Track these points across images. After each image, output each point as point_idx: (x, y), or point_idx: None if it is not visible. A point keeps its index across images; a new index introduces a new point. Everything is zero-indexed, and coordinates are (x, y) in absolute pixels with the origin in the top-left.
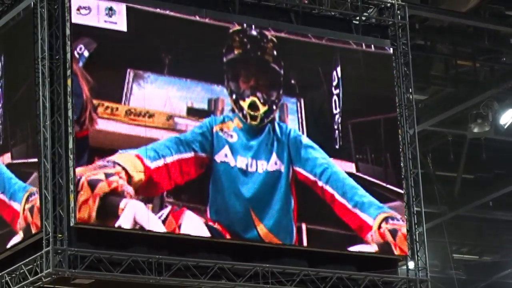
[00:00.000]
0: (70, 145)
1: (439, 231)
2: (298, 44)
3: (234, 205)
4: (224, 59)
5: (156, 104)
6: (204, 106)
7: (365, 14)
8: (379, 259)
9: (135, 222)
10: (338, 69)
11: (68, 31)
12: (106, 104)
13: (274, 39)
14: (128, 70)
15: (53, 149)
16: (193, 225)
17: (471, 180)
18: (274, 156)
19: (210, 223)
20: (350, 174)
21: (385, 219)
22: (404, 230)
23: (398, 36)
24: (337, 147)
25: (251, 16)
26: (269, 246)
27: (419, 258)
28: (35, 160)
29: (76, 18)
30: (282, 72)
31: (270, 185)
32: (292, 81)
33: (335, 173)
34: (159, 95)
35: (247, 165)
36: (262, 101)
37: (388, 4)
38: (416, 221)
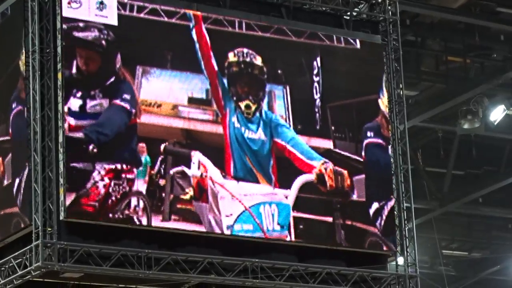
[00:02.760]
0: (60, 139)
1: (428, 227)
2: (284, 42)
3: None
4: (226, 72)
5: (162, 95)
6: (203, 95)
7: (356, 9)
8: (369, 255)
9: None
10: (318, 59)
11: (58, 25)
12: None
13: (260, 60)
14: (137, 66)
15: (43, 142)
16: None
17: (461, 176)
18: (260, 131)
19: None
20: (327, 150)
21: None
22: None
23: (389, 32)
24: (317, 127)
25: (242, 11)
26: (258, 241)
27: (408, 254)
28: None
29: (67, 12)
30: (265, 77)
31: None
32: (279, 71)
33: (299, 142)
34: (164, 88)
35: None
36: (253, 101)
37: (379, 0)
38: (405, 217)
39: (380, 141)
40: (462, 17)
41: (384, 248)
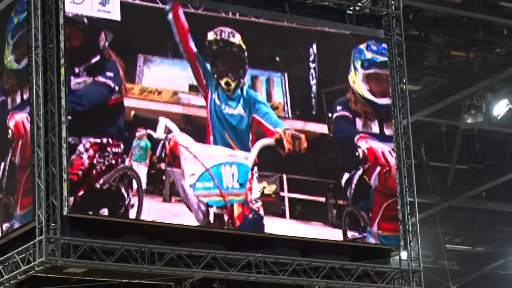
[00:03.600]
0: (64, 134)
1: (432, 221)
2: (282, 29)
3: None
4: (208, 51)
5: (163, 83)
6: None
7: (359, 4)
8: (372, 249)
9: None
10: (314, 46)
11: (61, 20)
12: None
13: (239, 38)
14: (139, 55)
15: (46, 138)
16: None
17: (464, 171)
18: (239, 107)
19: None
20: (322, 135)
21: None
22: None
23: (392, 27)
24: (313, 112)
25: (244, 5)
26: (262, 235)
27: (412, 248)
28: None
29: (70, 7)
30: (246, 54)
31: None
32: (277, 59)
33: (271, 116)
34: (165, 75)
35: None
36: (232, 79)
37: None
38: (409, 211)
39: (347, 113)
40: (465, 12)
41: (360, 218)
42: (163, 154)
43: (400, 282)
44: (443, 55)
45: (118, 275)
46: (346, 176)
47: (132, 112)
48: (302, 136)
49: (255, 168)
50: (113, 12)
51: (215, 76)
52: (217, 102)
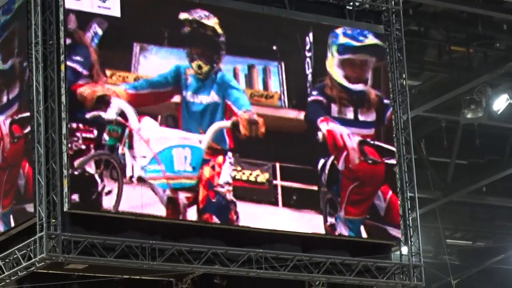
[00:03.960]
0: (64, 130)
1: (432, 216)
2: (280, 19)
3: None
4: (182, 33)
5: (160, 72)
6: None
7: None
8: (372, 244)
9: None
10: (310, 35)
11: (61, 16)
12: (118, 73)
13: (216, 21)
14: (135, 44)
15: (47, 134)
16: None
17: (464, 166)
18: (212, 93)
19: None
20: (298, 120)
21: None
22: None
23: (392, 22)
24: (309, 99)
25: (244, 1)
26: (262, 231)
27: (412, 243)
28: None
29: (70, 4)
30: (223, 39)
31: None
32: (274, 48)
33: (240, 100)
34: (161, 64)
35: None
36: (205, 62)
37: None
38: (409, 207)
39: (321, 98)
40: (465, 7)
41: (337, 205)
42: (125, 138)
43: (400, 277)
44: (443, 50)
45: (119, 271)
46: (321, 161)
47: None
48: (260, 120)
49: (229, 153)
50: (113, 8)
51: (188, 59)
52: (189, 87)
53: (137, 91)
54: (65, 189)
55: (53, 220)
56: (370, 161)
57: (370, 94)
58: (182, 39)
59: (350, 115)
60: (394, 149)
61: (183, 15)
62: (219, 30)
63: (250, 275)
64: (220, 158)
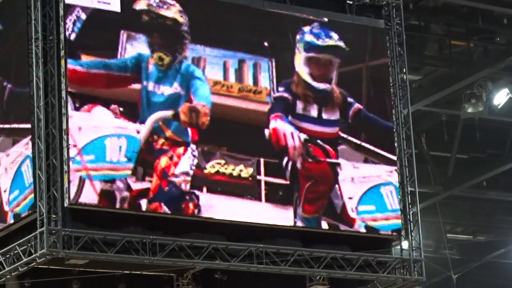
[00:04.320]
0: (64, 126)
1: (433, 211)
2: (271, 15)
3: None
4: (142, 21)
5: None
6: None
7: None
8: (373, 239)
9: None
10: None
11: (61, 12)
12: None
13: (173, 12)
14: (122, 31)
15: (47, 129)
16: None
17: (465, 160)
18: (176, 84)
19: None
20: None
21: None
22: None
23: (392, 16)
24: (275, 95)
25: None
26: (263, 226)
27: (413, 238)
28: None
29: None
30: (185, 28)
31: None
32: (265, 44)
33: (199, 90)
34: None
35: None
36: (166, 53)
37: None
38: (410, 201)
39: (286, 95)
40: (465, 1)
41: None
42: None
43: (401, 271)
44: (443, 45)
45: (120, 267)
46: (286, 158)
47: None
48: (204, 110)
49: (192, 146)
50: (113, 4)
51: (149, 49)
52: (150, 76)
53: (88, 70)
54: (66, 185)
55: (54, 216)
56: (310, 160)
57: (334, 93)
58: (142, 28)
59: (314, 113)
60: (366, 144)
61: (139, 5)
62: (180, 19)
63: (250, 270)
64: (180, 150)
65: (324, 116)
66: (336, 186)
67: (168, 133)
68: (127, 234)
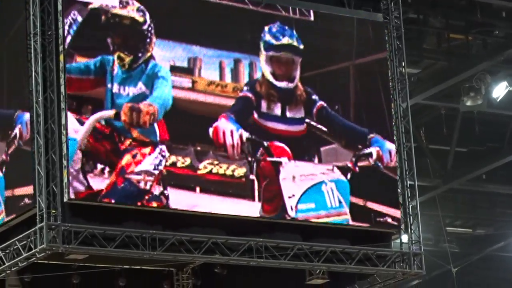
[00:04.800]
0: (63, 121)
1: (432, 204)
2: (238, 12)
3: None
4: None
5: (163, 63)
6: (184, 64)
7: None
8: (372, 233)
9: None
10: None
11: (60, 7)
12: None
13: (136, 6)
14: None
15: (46, 125)
16: None
17: (464, 153)
18: (140, 84)
19: None
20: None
21: None
22: None
23: (391, 10)
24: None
25: None
26: (263, 220)
27: (412, 231)
28: None
29: None
30: (146, 27)
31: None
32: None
33: (159, 90)
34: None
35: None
36: (126, 53)
37: None
38: (409, 195)
39: (249, 94)
40: None
41: None
42: None
43: (401, 265)
44: (442, 38)
45: (119, 261)
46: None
47: None
48: (146, 109)
49: (162, 146)
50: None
51: (111, 49)
52: (115, 79)
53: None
54: (65, 180)
55: (53, 211)
56: (250, 159)
57: (297, 91)
58: (103, 28)
59: (278, 111)
60: (335, 146)
61: (93, 4)
62: (140, 19)
63: (250, 264)
64: (147, 149)
65: (288, 114)
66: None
67: (135, 133)
68: (126, 229)
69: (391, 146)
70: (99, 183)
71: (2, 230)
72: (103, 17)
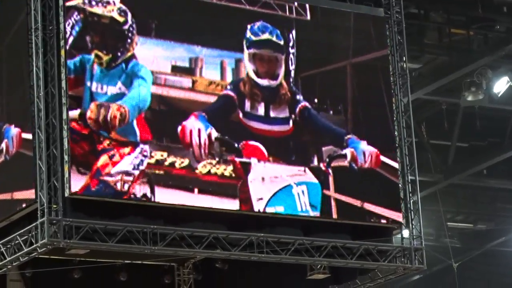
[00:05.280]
0: (64, 116)
1: (433, 199)
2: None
3: None
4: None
5: (145, 63)
6: (186, 64)
7: None
8: (373, 228)
9: None
10: (293, 32)
11: (61, 2)
12: None
13: (117, 5)
14: None
15: (47, 120)
16: None
17: (465, 149)
18: (119, 83)
19: None
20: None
21: None
22: None
23: (392, 5)
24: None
25: None
26: (263, 215)
27: (413, 226)
28: None
29: None
30: (127, 27)
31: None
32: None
33: (137, 97)
34: (147, 56)
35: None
36: (105, 52)
37: None
38: (410, 190)
39: (231, 93)
40: None
41: None
42: None
43: (402, 260)
44: (443, 33)
45: (121, 256)
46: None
47: None
48: (115, 109)
49: (143, 146)
50: None
51: (89, 48)
52: (94, 77)
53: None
54: (66, 175)
55: (55, 206)
56: (217, 159)
57: (281, 90)
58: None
59: (261, 110)
60: (325, 149)
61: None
62: (120, 18)
63: (251, 259)
64: (126, 149)
65: (272, 114)
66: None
67: (113, 134)
68: (127, 224)
69: (366, 147)
70: (75, 184)
71: (4, 225)
72: (81, 15)
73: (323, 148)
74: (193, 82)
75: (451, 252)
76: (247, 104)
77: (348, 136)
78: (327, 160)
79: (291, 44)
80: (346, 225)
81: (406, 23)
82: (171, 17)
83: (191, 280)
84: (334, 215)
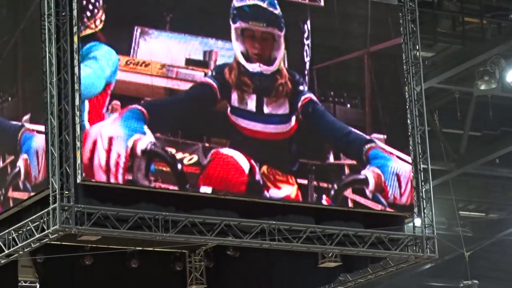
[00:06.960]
0: (77, 102)
1: (445, 188)
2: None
3: None
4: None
5: (159, 56)
6: (200, 57)
7: None
8: (385, 216)
9: None
10: (308, 22)
11: None
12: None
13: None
14: (136, 27)
15: (60, 106)
16: None
17: (477, 137)
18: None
19: None
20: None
21: None
22: None
23: None
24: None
25: None
26: (276, 203)
27: (425, 215)
28: None
29: None
30: None
31: None
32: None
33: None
34: (161, 49)
35: None
36: None
37: None
38: (422, 178)
39: (210, 81)
40: None
41: None
42: None
43: (414, 249)
44: (457, 22)
45: (132, 243)
46: None
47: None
48: None
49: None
50: None
51: None
52: None
53: None
54: (78, 161)
55: (66, 192)
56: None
57: (278, 78)
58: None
59: (251, 105)
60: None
61: None
62: None
63: (263, 246)
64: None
65: (267, 109)
66: None
67: None
68: (139, 211)
69: (397, 164)
70: None
71: (15, 211)
72: None
73: (334, 162)
74: (205, 75)
75: (463, 241)
76: (234, 97)
77: (369, 145)
78: (341, 185)
79: (305, 35)
80: (358, 214)
81: (420, 11)
82: (185, 11)
83: (203, 267)
84: (350, 204)
